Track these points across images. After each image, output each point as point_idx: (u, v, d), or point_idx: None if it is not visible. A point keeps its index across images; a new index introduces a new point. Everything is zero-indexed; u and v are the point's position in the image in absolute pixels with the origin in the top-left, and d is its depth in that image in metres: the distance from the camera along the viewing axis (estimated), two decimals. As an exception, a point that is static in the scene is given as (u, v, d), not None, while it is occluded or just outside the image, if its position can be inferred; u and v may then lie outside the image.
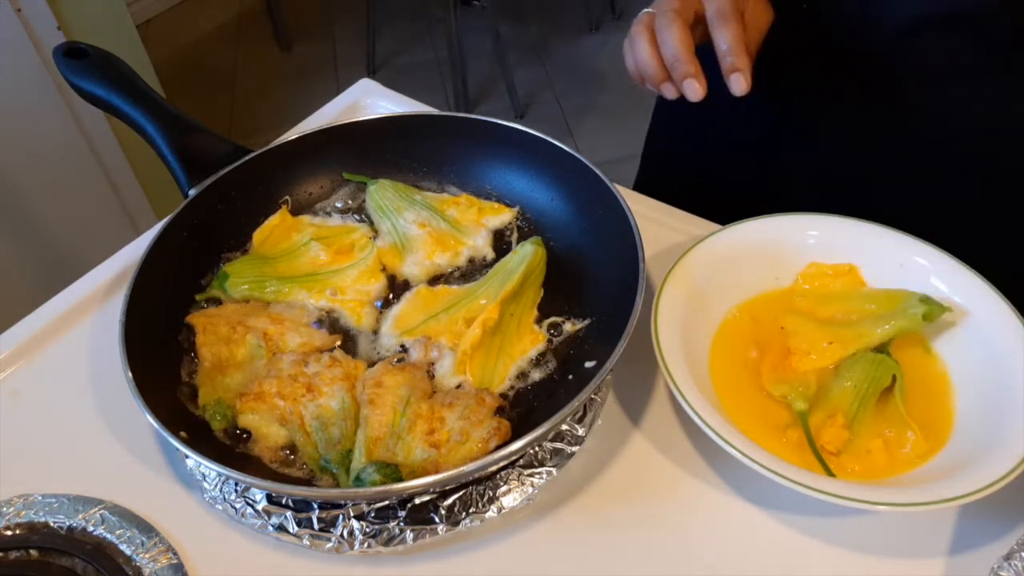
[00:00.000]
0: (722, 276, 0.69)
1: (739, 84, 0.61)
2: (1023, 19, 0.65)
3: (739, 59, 0.60)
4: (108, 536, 0.58)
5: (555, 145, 0.76)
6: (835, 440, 0.60)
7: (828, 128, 0.82)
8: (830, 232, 0.70)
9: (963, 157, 0.76)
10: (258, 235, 0.76)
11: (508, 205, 0.79)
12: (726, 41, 0.60)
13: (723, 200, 0.80)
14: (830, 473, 0.58)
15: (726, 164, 0.92)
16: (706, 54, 0.63)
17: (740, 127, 0.88)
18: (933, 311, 0.63)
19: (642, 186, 0.99)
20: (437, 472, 0.54)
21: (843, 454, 0.60)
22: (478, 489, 0.59)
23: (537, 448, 0.61)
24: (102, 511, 0.59)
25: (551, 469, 0.60)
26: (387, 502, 0.58)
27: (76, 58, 0.79)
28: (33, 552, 0.57)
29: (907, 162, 0.79)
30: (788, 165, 0.86)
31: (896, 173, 0.80)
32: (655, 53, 0.62)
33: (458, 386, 0.64)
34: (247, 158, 0.77)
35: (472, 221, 0.77)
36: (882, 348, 0.64)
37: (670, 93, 0.64)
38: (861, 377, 0.62)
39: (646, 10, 0.65)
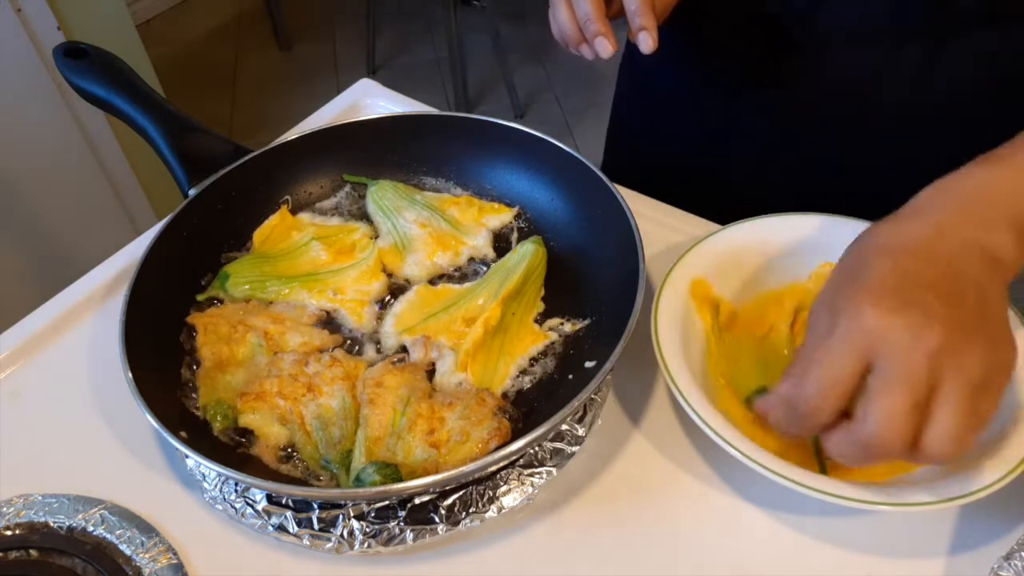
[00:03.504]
0: (722, 276, 0.68)
1: (646, 42, 0.64)
2: None
3: (645, 19, 0.64)
4: (108, 536, 0.58)
5: (555, 145, 0.76)
6: None
7: (756, 100, 0.85)
8: (835, 232, 0.70)
9: (884, 122, 0.80)
10: (258, 235, 0.76)
11: (508, 205, 0.79)
12: (634, 2, 0.64)
13: (672, 180, 0.85)
14: (824, 472, 0.58)
15: (672, 149, 0.97)
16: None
17: (680, 109, 0.92)
18: None
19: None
20: (437, 472, 0.54)
21: None
22: (478, 489, 0.59)
23: (537, 448, 0.61)
24: (102, 511, 0.59)
25: (551, 469, 0.60)
26: (387, 502, 0.58)
27: (76, 58, 0.79)
28: (33, 552, 0.57)
29: (833, 131, 0.81)
30: (719, 142, 0.90)
31: (822, 144, 0.83)
32: (572, 16, 0.66)
33: (458, 385, 0.64)
34: (247, 158, 0.77)
35: (472, 221, 0.77)
36: None
37: (588, 53, 0.67)
38: None
39: None
